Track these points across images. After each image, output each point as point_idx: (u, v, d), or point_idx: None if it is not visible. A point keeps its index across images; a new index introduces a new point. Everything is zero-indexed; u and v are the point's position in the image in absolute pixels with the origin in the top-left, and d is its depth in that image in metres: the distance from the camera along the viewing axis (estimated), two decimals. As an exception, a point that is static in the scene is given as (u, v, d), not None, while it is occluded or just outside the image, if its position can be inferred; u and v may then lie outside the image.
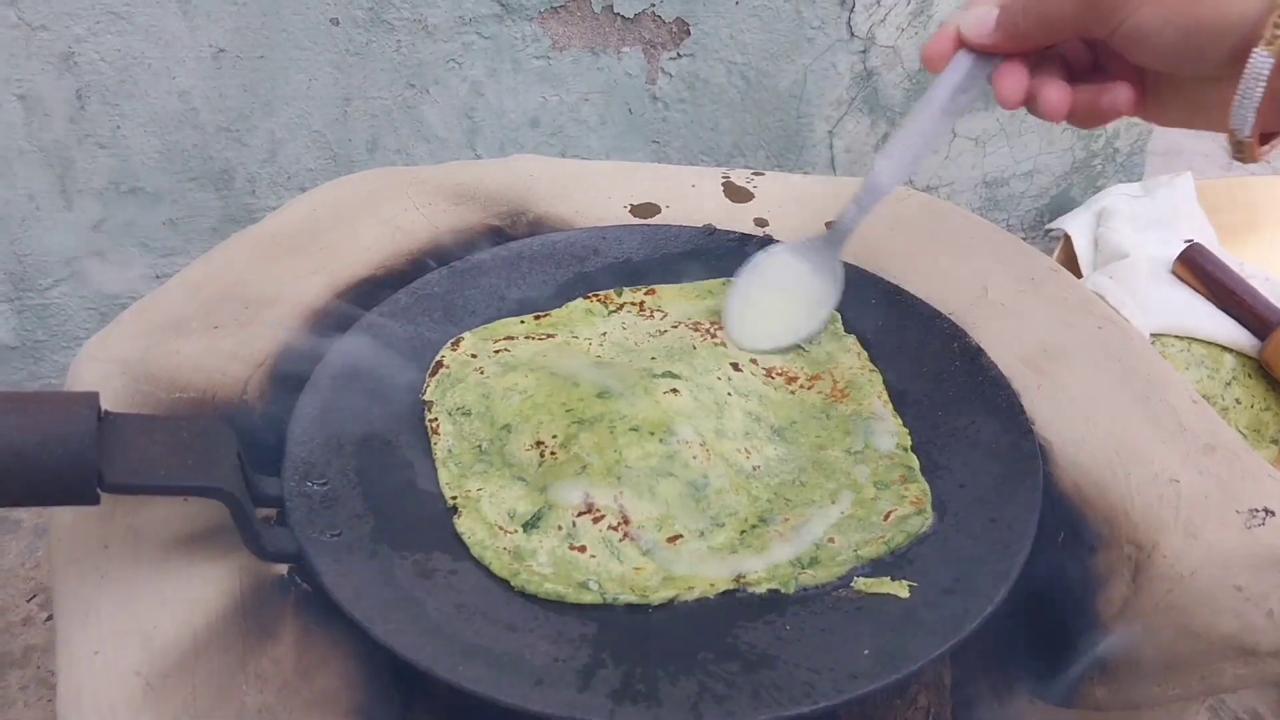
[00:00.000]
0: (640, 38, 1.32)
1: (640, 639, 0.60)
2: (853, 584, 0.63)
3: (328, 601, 0.59)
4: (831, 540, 0.65)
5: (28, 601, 1.15)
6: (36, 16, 1.15)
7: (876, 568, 0.64)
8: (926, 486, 0.68)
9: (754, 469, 0.70)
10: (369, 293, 0.81)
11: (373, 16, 1.23)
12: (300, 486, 0.66)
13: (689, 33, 1.34)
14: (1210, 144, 1.96)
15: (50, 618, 1.14)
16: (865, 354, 0.79)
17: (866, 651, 0.59)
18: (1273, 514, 0.65)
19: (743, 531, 0.67)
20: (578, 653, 0.59)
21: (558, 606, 0.62)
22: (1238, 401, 1.34)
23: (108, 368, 0.75)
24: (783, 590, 0.63)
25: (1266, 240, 1.57)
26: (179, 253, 1.32)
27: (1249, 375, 1.35)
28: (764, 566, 0.64)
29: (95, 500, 0.58)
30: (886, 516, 0.66)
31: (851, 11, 1.38)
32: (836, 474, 0.70)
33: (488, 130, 1.33)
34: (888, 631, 0.60)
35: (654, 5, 1.30)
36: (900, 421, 0.74)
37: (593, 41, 1.31)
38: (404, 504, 0.68)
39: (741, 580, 0.63)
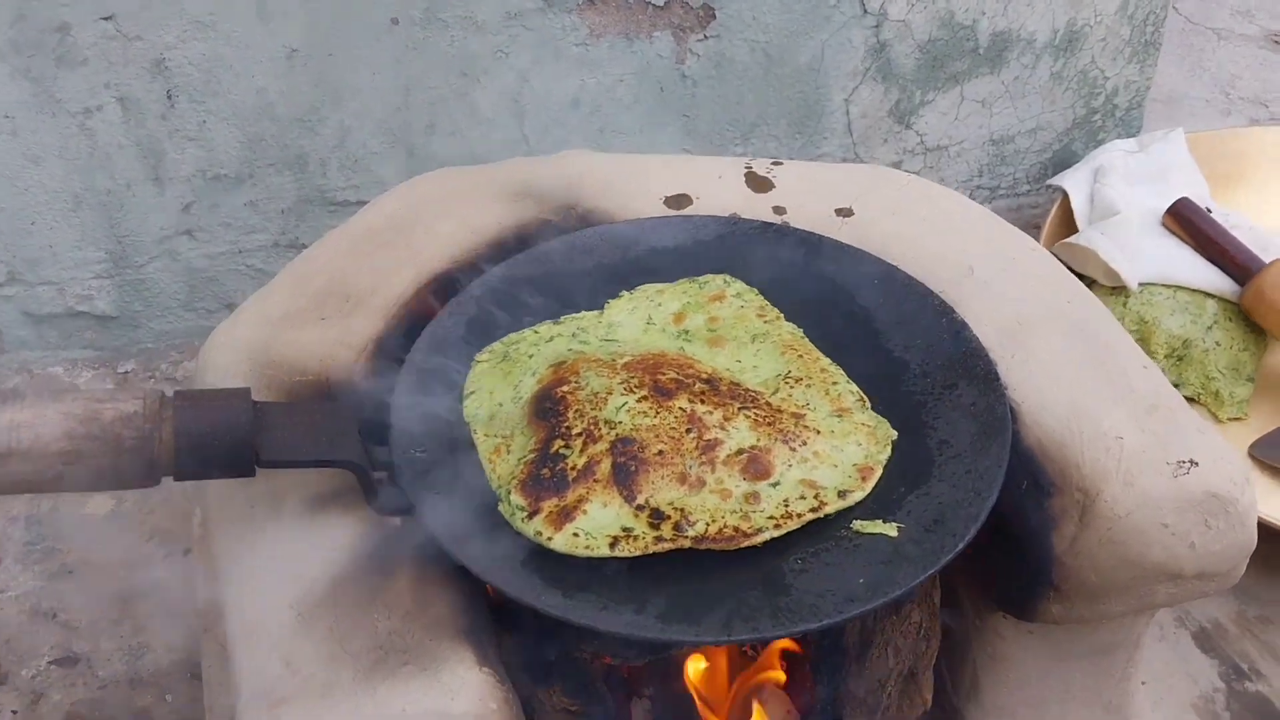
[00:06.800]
0: (670, 23, 1.44)
1: (684, 576, 0.75)
2: (851, 525, 0.78)
3: (436, 547, 0.75)
4: None
5: (147, 542, 1.32)
6: (132, 28, 1.28)
7: (872, 510, 0.79)
8: None
9: None
10: (449, 283, 0.95)
11: (428, 15, 1.36)
12: (406, 454, 0.81)
13: (714, 16, 1.45)
14: (1211, 90, 2.04)
15: (167, 555, 1.32)
16: None
17: (861, 580, 0.73)
18: (1197, 465, 0.79)
19: None
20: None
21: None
22: (1218, 344, 1.45)
23: (235, 354, 0.90)
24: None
25: (1255, 188, 1.66)
26: (258, 230, 1.46)
27: (1229, 319, 1.46)
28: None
29: (252, 473, 0.73)
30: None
31: (865, -10, 1.49)
32: None
33: (533, 112, 1.46)
34: (879, 564, 0.75)
35: (682, -7, 1.42)
36: None
37: (626, 29, 1.43)
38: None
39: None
